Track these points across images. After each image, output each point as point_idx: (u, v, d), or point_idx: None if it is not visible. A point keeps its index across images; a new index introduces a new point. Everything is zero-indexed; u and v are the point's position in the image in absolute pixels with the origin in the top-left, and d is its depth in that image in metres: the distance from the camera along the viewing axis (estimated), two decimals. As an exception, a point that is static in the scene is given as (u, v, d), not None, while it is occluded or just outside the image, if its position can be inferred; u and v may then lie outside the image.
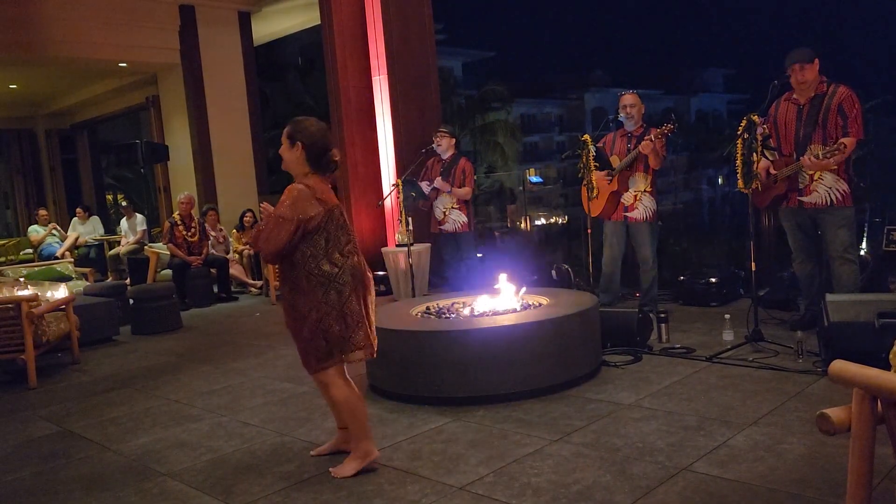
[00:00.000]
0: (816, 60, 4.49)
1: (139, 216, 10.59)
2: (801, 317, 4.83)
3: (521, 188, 12.94)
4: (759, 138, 4.30)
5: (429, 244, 7.30)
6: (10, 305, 4.94)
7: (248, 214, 9.51)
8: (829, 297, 4.01)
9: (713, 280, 5.88)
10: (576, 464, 2.84)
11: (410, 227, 6.52)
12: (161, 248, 8.83)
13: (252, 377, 4.74)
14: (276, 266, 3.05)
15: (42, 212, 11.49)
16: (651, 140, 5.21)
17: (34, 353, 4.97)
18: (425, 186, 6.76)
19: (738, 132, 4.36)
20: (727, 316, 4.56)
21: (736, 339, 4.39)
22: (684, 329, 5.03)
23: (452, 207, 6.70)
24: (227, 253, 9.07)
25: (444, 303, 4.63)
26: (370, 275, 2.98)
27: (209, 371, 5.05)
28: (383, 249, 7.53)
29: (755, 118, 4.30)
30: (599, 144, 5.54)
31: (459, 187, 6.63)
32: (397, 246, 7.23)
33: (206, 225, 8.84)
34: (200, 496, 2.86)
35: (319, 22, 8.49)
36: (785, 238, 4.94)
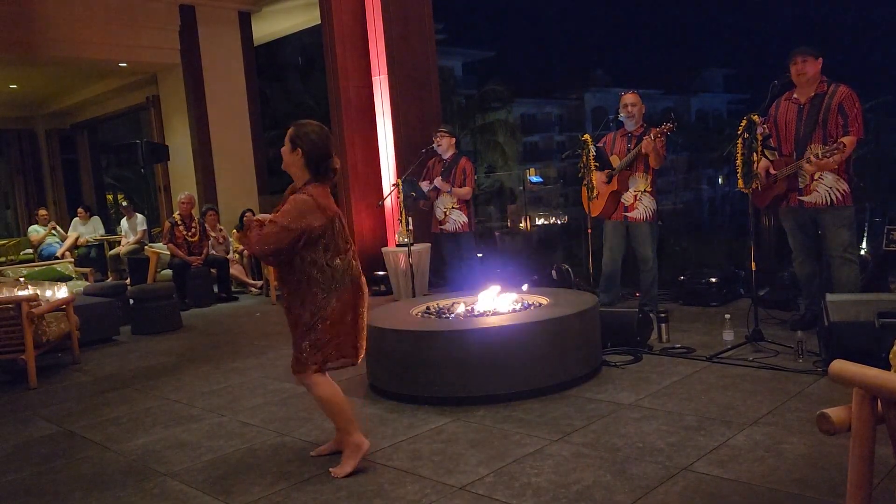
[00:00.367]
0: (820, 59, 4.50)
1: (139, 216, 10.58)
2: (801, 317, 4.83)
3: (521, 188, 12.96)
4: (760, 138, 4.30)
5: (429, 244, 7.30)
6: (10, 305, 4.94)
7: (248, 214, 9.49)
8: (830, 296, 4.02)
9: (713, 280, 5.88)
10: (576, 464, 2.84)
11: (410, 227, 6.52)
12: (161, 248, 8.82)
13: (252, 377, 4.74)
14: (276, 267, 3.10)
15: (42, 212, 11.49)
16: (651, 139, 5.21)
17: (34, 353, 4.97)
18: (426, 186, 6.76)
19: (739, 132, 4.36)
20: (727, 316, 4.56)
21: (736, 339, 4.38)
22: (684, 329, 5.03)
23: (453, 207, 6.71)
24: (228, 253, 9.07)
25: (444, 303, 4.63)
26: (364, 280, 3.05)
27: (209, 371, 5.05)
28: (383, 249, 7.54)
29: (755, 118, 4.30)
30: (600, 144, 5.54)
31: (460, 187, 6.63)
32: (397, 246, 7.23)
33: (206, 225, 8.84)
34: (200, 496, 2.86)
35: (319, 22, 8.49)
36: (785, 238, 4.94)
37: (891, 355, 1.95)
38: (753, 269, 4.50)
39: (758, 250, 4.64)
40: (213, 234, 8.93)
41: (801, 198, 4.62)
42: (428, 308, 4.54)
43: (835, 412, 1.76)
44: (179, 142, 11.28)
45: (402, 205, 6.67)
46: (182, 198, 8.55)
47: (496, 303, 4.38)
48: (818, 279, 4.84)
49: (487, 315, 4.18)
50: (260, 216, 3.01)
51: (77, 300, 6.04)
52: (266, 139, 12.60)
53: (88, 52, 10.16)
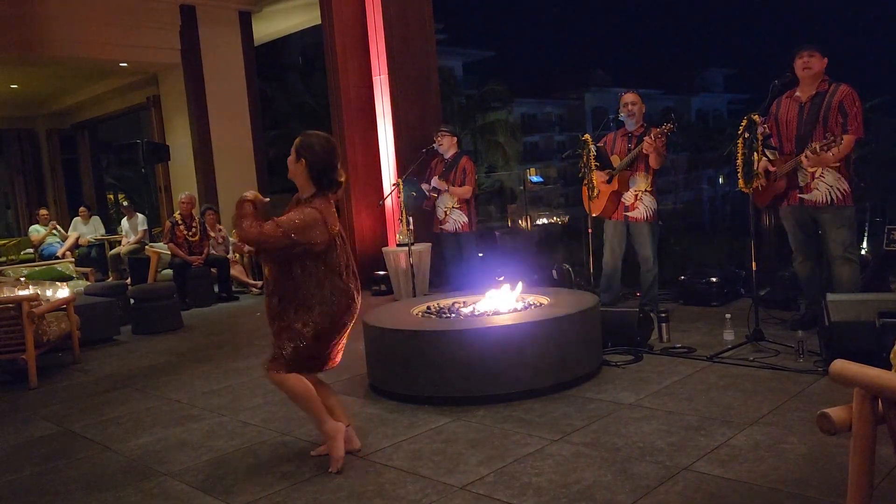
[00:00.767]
0: (826, 59, 4.51)
1: (140, 216, 10.59)
2: (801, 316, 4.82)
3: (521, 188, 12.97)
4: (760, 138, 4.30)
5: (429, 244, 7.30)
6: (10, 305, 4.94)
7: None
8: (830, 296, 4.01)
9: (714, 280, 5.87)
10: (576, 463, 2.84)
11: (411, 227, 6.52)
12: (162, 248, 8.83)
13: (252, 377, 4.74)
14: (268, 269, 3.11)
15: (43, 211, 11.49)
16: (651, 139, 5.21)
17: (35, 352, 4.97)
18: (425, 188, 6.76)
19: (739, 132, 4.35)
20: (728, 315, 4.56)
21: (737, 339, 4.38)
22: (685, 329, 5.03)
23: (454, 207, 6.70)
24: (228, 253, 9.07)
25: (444, 302, 4.63)
26: (359, 302, 3.06)
27: (209, 371, 5.05)
28: (384, 249, 7.54)
29: (756, 117, 4.29)
30: (600, 144, 5.54)
31: (459, 185, 6.63)
32: (398, 245, 7.23)
33: (206, 225, 8.84)
34: (200, 496, 2.85)
35: (320, 22, 8.51)
36: (785, 238, 4.94)
37: (891, 355, 1.95)
38: (754, 268, 4.50)
39: (758, 250, 4.63)
40: (212, 233, 8.93)
41: (801, 195, 4.62)
42: (428, 308, 4.54)
43: (835, 412, 1.76)
44: (180, 142, 11.28)
45: (402, 205, 6.67)
46: (182, 197, 8.55)
47: (497, 303, 4.38)
48: (818, 279, 4.83)
49: (488, 315, 4.18)
50: (250, 193, 2.98)
51: (78, 300, 6.04)
52: (266, 139, 12.61)
53: (89, 52, 10.16)
